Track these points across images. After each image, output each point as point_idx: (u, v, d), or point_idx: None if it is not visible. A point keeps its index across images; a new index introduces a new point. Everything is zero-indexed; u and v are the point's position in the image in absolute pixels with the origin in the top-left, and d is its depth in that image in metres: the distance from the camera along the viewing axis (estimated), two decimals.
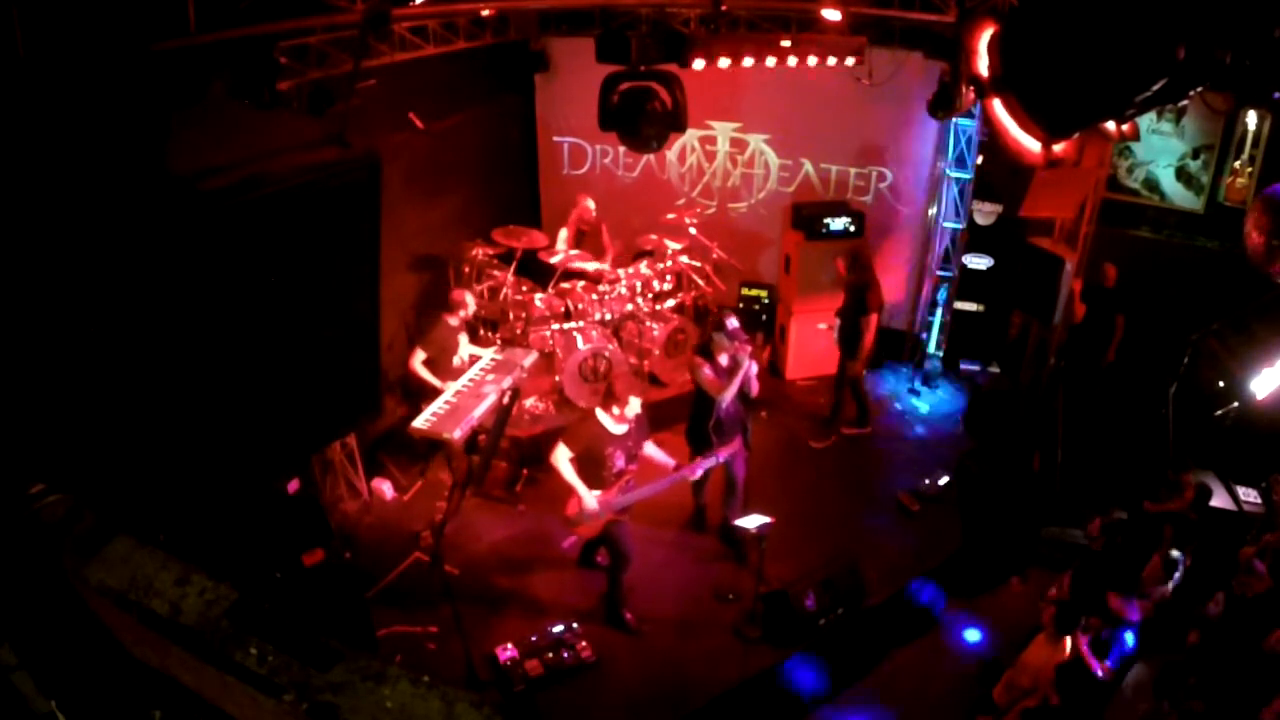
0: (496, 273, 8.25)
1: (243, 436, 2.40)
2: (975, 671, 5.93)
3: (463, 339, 6.77)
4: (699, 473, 5.87)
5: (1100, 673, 5.10)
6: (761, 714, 5.78)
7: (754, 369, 6.27)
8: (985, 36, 3.55)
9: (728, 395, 6.15)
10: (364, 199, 2.41)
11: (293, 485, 5.37)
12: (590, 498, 5.50)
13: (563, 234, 8.64)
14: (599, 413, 5.57)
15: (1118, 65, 2.83)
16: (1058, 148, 3.46)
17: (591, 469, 5.53)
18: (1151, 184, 9.07)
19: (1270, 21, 2.74)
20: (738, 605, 6.27)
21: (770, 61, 6.72)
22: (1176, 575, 5.78)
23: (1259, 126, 8.43)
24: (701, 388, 6.34)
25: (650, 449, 5.83)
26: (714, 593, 6.46)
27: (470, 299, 6.78)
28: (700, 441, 6.34)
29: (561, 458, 5.50)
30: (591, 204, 8.63)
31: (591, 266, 8.36)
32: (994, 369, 9.41)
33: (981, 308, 9.38)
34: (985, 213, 9.16)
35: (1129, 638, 5.24)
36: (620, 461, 5.60)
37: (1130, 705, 5.24)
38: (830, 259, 8.59)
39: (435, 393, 6.02)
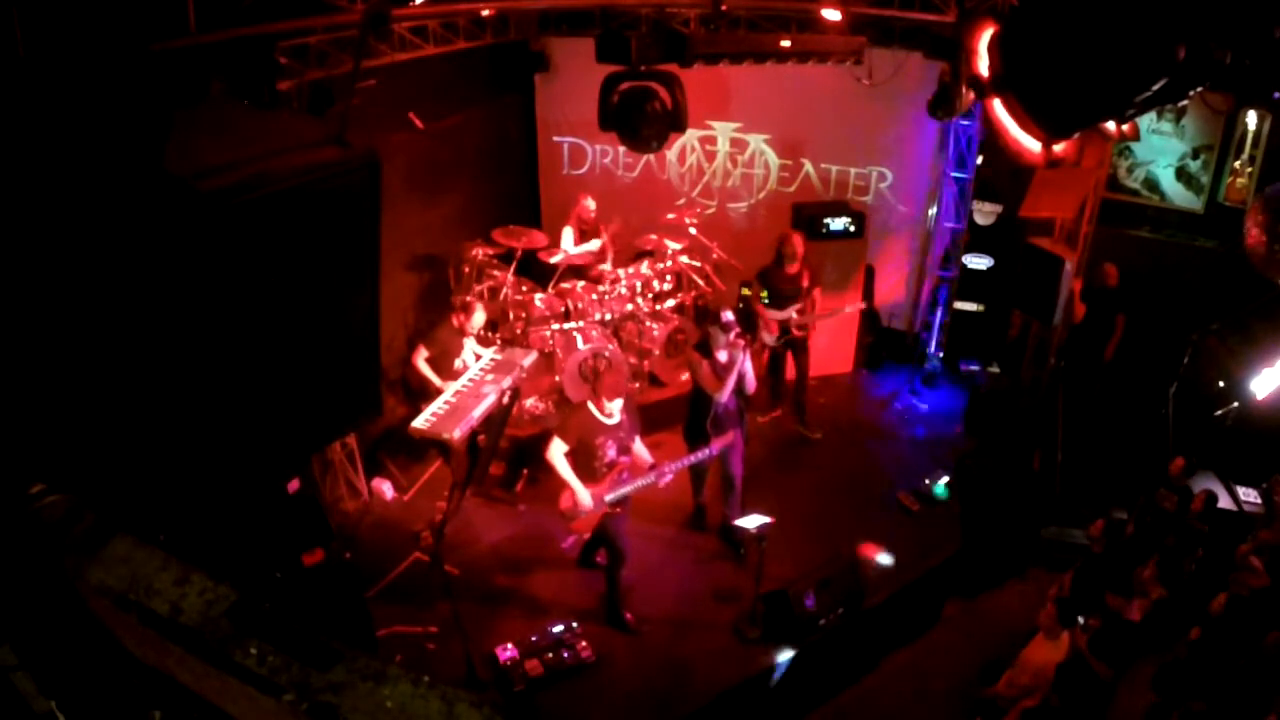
0: (496, 273, 8.25)
1: (243, 436, 2.40)
2: (975, 672, 5.93)
3: (469, 343, 6.78)
4: (668, 477, 5.75)
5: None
6: (761, 714, 5.78)
7: (749, 364, 6.27)
8: (985, 36, 3.55)
9: (725, 391, 6.17)
10: (364, 199, 2.40)
11: (293, 485, 5.36)
12: (584, 492, 5.50)
13: (567, 232, 8.60)
14: (589, 404, 5.59)
15: (1118, 65, 2.83)
16: (1058, 148, 3.46)
17: (584, 460, 5.54)
18: (1151, 184, 9.07)
19: (1270, 21, 2.74)
20: (737, 605, 6.27)
21: (770, 61, 6.72)
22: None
23: (1259, 126, 8.43)
24: (699, 384, 6.36)
25: (635, 446, 5.82)
26: (713, 593, 6.46)
27: (480, 313, 6.78)
28: (698, 438, 6.36)
29: (556, 452, 5.51)
30: (591, 203, 8.63)
31: (595, 245, 8.37)
32: (994, 369, 9.40)
33: (981, 308, 9.37)
34: (985, 213, 9.16)
35: None
36: (612, 452, 5.60)
37: (1131, 705, 5.24)
38: (831, 259, 8.61)
39: (436, 392, 6.03)
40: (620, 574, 6.01)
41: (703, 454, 5.94)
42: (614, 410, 5.53)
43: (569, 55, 9.28)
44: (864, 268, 9.13)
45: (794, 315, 7.84)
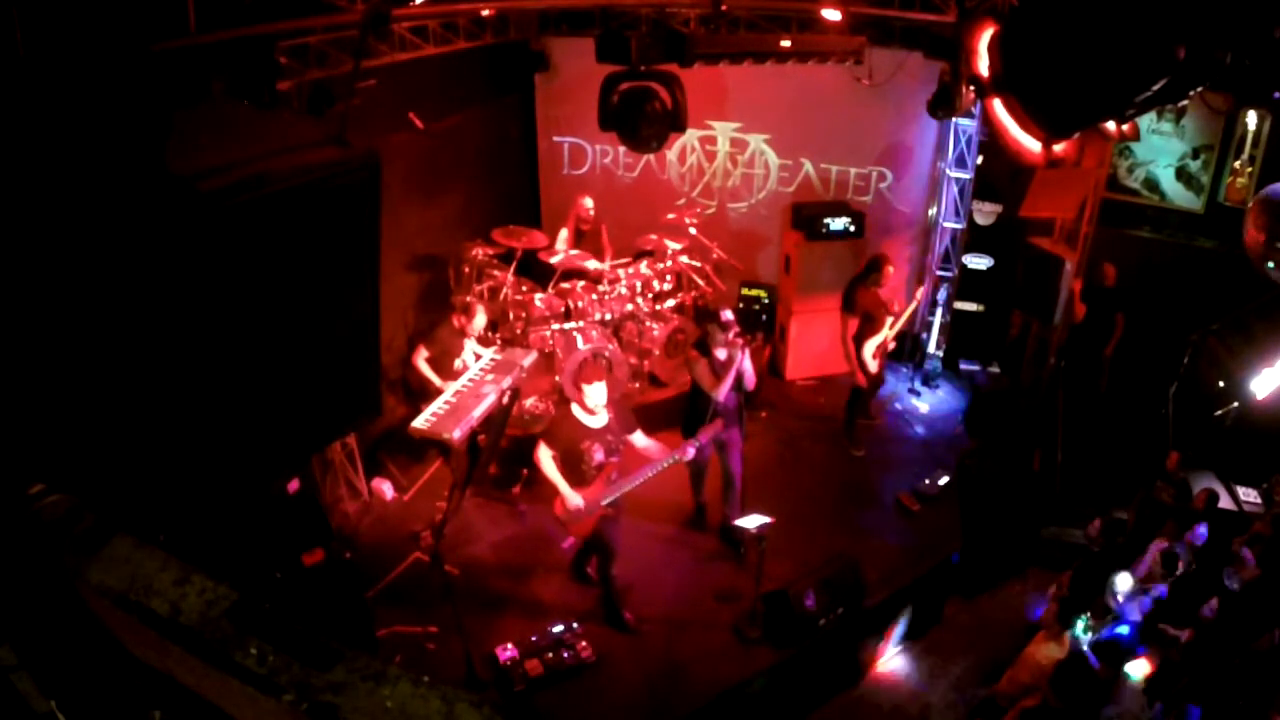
0: (496, 273, 8.25)
1: (242, 437, 2.40)
2: (975, 672, 5.94)
3: (469, 343, 6.78)
4: (690, 452, 5.78)
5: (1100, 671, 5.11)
6: (762, 714, 5.78)
7: (747, 362, 6.27)
8: (985, 36, 3.55)
9: (723, 390, 6.17)
10: (364, 199, 2.40)
11: (293, 485, 5.37)
12: (573, 496, 5.52)
13: (563, 234, 8.64)
14: (574, 408, 5.62)
15: (1118, 65, 2.83)
16: (1058, 148, 3.46)
17: (572, 464, 5.56)
18: (1151, 184, 9.07)
19: (1270, 21, 2.74)
20: (737, 605, 6.27)
21: (770, 61, 6.72)
22: (1178, 570, 5.79)
23: (1259, 126, 8.42)
24: (698, 382, 6.37)
25: (640, 440, 5.81)
26: (713, 593, 6.46)
27: (481, 316, 6.78)
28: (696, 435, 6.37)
29: (544, 457, 5.55)
30: (589, 203, 8.63)
31: (591, 265, 8.36)
32: (994, 369, 9.41)
33: (981, 308, 9.38)
34: (985, 213, 9.16)
35: (1123, 630, 5.25)
36: (599, 455, 5.61)
37: (1128, 706, 5.24)
38: (830, 259, 8.61)
39: (436, 392, 6.03)
40: (613, 572, 6.01)
41: (705, 437, 5.87)
42: (598, 408, 5.53)
43: (569, 55, 9.28)
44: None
45: (889, 339, 7.91)
